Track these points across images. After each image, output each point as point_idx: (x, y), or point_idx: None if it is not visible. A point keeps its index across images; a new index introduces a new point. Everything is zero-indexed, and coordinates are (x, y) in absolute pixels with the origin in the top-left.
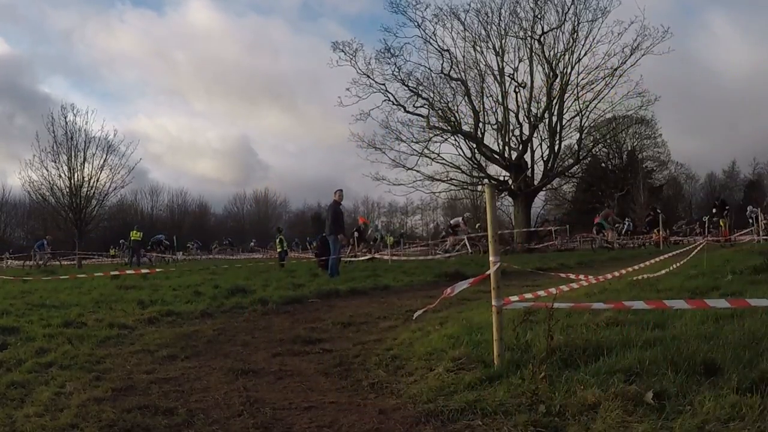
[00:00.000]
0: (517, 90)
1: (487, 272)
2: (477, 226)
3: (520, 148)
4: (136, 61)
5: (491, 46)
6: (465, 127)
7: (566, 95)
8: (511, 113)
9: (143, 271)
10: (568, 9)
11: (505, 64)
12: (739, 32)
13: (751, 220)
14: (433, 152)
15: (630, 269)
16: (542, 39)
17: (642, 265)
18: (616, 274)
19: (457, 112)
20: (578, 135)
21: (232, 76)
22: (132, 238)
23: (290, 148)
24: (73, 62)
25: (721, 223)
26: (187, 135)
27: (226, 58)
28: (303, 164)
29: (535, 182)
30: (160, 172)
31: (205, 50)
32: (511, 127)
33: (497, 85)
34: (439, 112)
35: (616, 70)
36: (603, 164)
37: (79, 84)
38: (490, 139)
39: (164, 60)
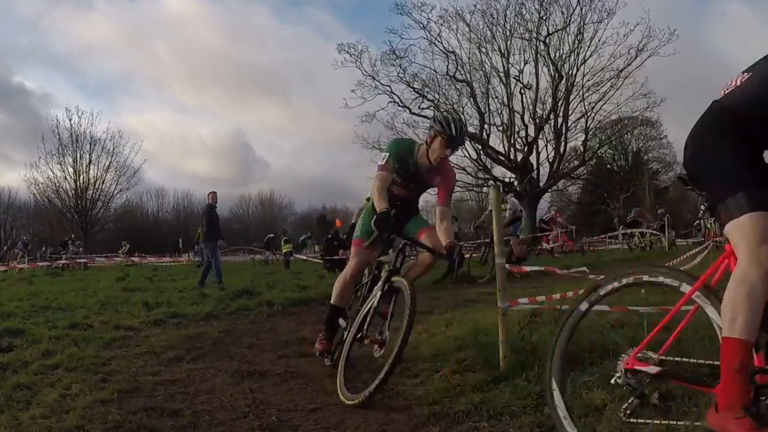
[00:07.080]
0: (522, 91)
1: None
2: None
3: (526, 149)
4: (116, 51)
5: (496, 48)
6: (470, 129)
7: (572, 97)
8: (516, 115)
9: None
10: (574, 10)
11: (510, 65)
12: (757, 21)
13: None
14: None
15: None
16: (547, 40)
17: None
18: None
19: (462, 113)
20: (584, 136)
21: (219, 68)
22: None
23: (286, 146)
24: (48, 52)
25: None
26: (179, 131)
27: (210, 47)
28: (301, 163)
29: (541, 184)
30: (155, 171)
31: (186, 38)
32: (517, 129)
33: (502, 86)
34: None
35: (621, 71)
36: (608, 166)
37: (58, 76)
38: (496, 141)
39: (144, 50)
